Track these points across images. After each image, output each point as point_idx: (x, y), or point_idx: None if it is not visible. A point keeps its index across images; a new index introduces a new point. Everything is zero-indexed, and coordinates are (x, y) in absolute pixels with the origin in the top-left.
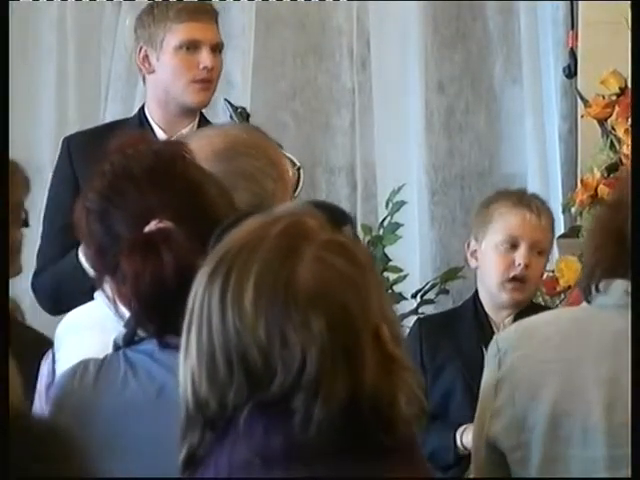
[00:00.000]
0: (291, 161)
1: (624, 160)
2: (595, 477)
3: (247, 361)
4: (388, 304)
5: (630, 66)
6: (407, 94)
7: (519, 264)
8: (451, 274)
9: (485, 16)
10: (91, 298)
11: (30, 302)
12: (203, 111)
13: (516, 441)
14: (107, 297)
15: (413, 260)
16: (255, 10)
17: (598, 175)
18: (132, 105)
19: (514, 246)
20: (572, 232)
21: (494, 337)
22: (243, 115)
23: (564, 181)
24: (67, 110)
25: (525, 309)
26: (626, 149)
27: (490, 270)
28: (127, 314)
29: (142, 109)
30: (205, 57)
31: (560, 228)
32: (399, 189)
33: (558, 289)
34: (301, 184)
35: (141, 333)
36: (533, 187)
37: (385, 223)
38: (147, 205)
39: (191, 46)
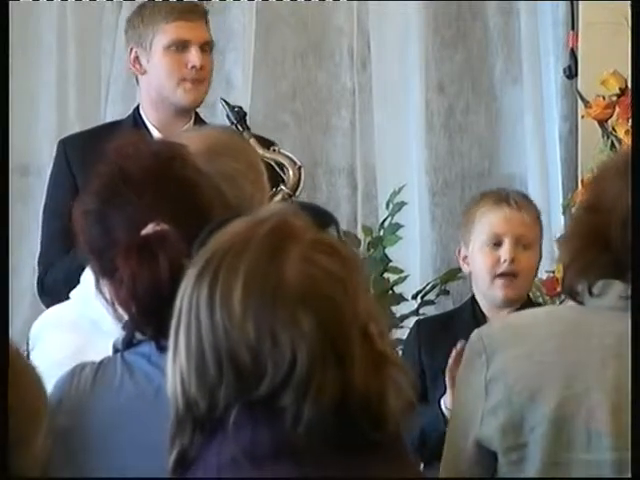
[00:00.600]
0: (291, 160)
1: None
2: (594, 477)
3: (236, 360)
4: (374, 302)
5: (630, 67)
6: (407, 94)
7: (504, 260)
8: (451, 275)
9: (485, 16)
10: None
11: (30, 301)
12: (201, 111)
13: (513, 442)
14: (105, 299)
15: (413, 261)
16: (255, 10)
17: None
18: (132, 105)
19: (498, 244)
20: None
21: (476, 332)
22: (239, 114)
23: (564, 182)
24: (67, 110)
25: (522, 307)
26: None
27: (480, 271)
28: (125, 316)
29: (137, 110)
30: (194, 56)
31: (560, 229)
32: (399, 190)
33: (558, 289)
34: (302, 183)
35: (139, 336)
36: (533, 188)
37: (385, 224)
38: (144, 207)
39: (180, 46)
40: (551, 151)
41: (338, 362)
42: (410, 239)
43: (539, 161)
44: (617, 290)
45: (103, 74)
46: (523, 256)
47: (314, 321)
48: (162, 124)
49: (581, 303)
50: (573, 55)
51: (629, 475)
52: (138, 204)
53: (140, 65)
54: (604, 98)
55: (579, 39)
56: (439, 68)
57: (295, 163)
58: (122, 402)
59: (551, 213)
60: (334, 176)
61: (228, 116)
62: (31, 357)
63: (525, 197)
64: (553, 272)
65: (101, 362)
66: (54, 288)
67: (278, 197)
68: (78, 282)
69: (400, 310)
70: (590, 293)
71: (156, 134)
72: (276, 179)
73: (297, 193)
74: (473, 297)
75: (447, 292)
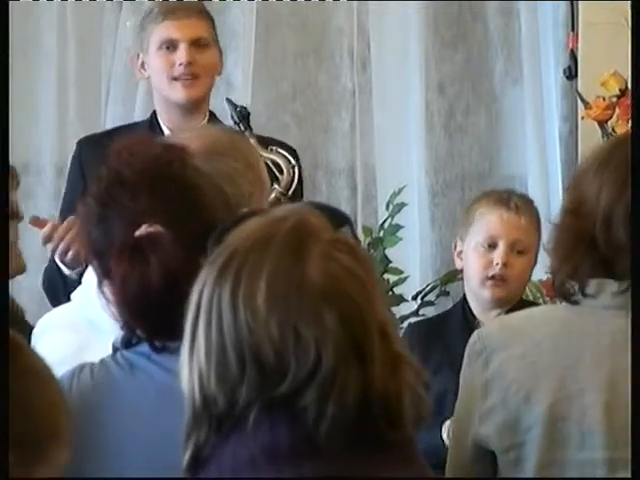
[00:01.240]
0: (286, 159)
1: None
2: (594, 477)
3: (259, 358)
4: (387, 305)
5: (630, 67)
6: (407, 95)
7: (497, 263)
8: (451, 276)
9: (486, 17)
10: None
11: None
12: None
13: (509, 442)
14: (106, 300)
15: (413, 262)
16: (256, 10)
17: None
18: (132, 106)
19: (493, 245)
20: None
21: (476, 333)
22: (243, 114)
23: (564, 182)
24: (67, 110)
25: (514, 308)
26: None
27: (471, 270)
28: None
29: (154, 111)
30: (181, 54)
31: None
32: (399, 191)
33: None
34: (295, 182)
35: (139, 335)
36: (533, 188)
37: (385, 225)
38: (139, 209)
39: (170, 45)
40: (551, 152)
41: (360, 360)
42: (410, 240)
43: (539, 162)
44: (610, 289)
45: (103, 74)
46: (516, 261)
47: (337, 318)
48: (174, 125)
49: (576, 303)
50: (573, 56)
51: (622, 473)
52: (134, 207)
53: (144, 69)
54: (604, 99)
55: (579, 40)
56: (439, 69)
57: (289, 162)
58: (123, 401)
59: (551, 213)
60: (334, 177)
61: (232, 116)
62: None
63: (528, 201)
64: None
65: (101, 361)
66: (43, 285)
67: (271, 196)
68: (54, 284)
69: (400, 311)
70: (583, 294)
71: (169, 135)
72: (271, 179)
73: (290, 192)
74: (464, 298)
75: (447, 293)
